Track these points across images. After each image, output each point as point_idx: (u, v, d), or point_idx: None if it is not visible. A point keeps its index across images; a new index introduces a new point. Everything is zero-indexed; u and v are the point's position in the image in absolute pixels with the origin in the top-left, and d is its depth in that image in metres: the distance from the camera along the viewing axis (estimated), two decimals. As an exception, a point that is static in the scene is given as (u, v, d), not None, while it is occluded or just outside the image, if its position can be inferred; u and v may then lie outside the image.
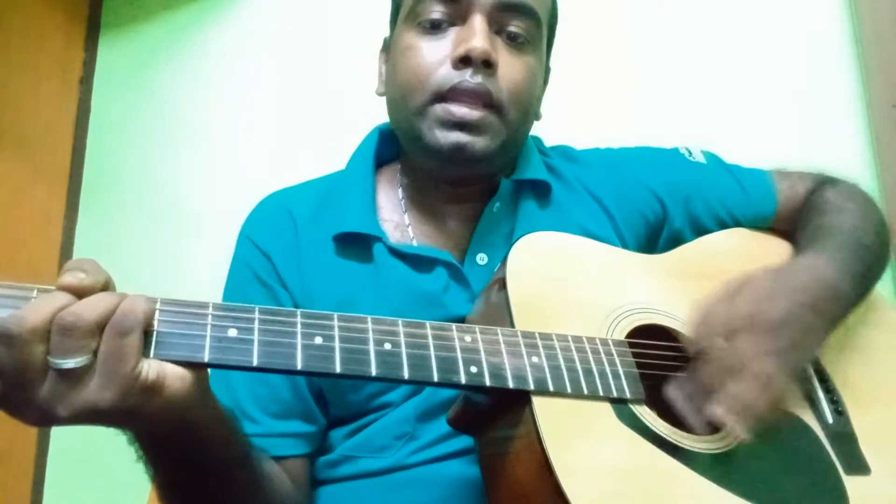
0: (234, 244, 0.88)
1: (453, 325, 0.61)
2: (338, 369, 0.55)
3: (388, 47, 0.89)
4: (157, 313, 0.53)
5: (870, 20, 1.22)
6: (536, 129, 0.90)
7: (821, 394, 0.73)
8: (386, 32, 0.90)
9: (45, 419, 0.50)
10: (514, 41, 0.81)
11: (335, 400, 0.80)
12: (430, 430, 0.75)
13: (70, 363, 0.48)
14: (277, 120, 1.60)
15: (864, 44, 1.22)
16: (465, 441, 0.72)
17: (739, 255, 0.87)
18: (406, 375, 0.57)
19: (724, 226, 0.91)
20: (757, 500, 0.61)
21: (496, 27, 0.80)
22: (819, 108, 1.25)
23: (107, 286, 0.53)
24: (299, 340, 0.55)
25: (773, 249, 0.88)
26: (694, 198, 0.91)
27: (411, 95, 0.79)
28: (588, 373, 0.63)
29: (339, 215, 0.84)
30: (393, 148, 0.91)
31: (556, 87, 0.95)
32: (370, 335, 0.58)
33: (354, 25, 1.55)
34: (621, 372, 0.64)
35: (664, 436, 0.62)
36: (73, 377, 0.49)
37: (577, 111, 1.26)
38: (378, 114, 0.90)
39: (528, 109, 0.84)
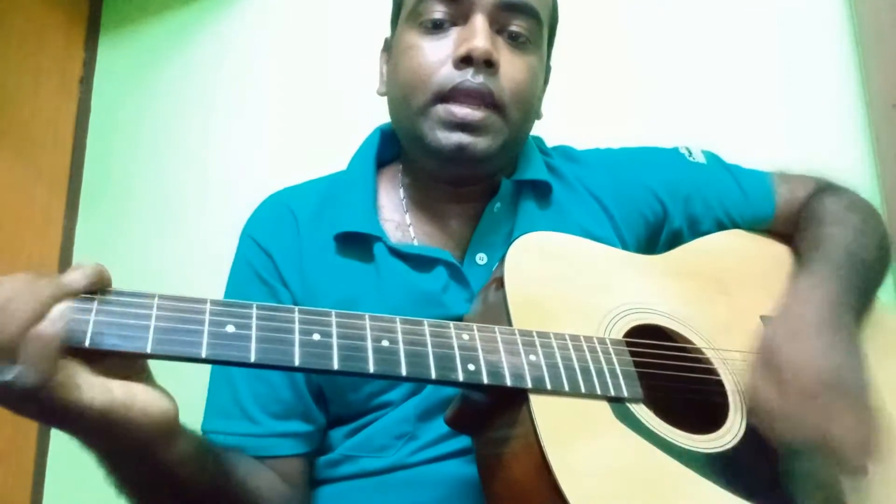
0: (235, 244, 0.88)
1: (451, 323, 0.61)
2: (335, 366, 0.55)
3: (389, 47, 0.89)
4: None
5: (870, 20, 1.21)
6: (537, 129, 0.91)
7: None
8: (387, 32, 0.90)
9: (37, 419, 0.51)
10: (515, 41, 0.81)
11: (335, 399, 0.80)
12: (431, 429, 0.75)
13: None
14: (278, 120, 1.60)
15: (864, 44, 1.22)
16: (465, 441, 0.71)
17: (737, 256, 0.87)
18: (404, 372, 0.57)
19: (722, 227, 0.91)
20: (756, 499, 0.60)
21: (497, 27, 0.80)
22: (819, 108, 1.24)
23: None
24: (297, 337, 0.55)
25: (771, 251, 0.88)
26: (693, 198, 0.91)
27: (413, 95, 0.80)
28: (586, 371, 0.63)
29: (340, 215, 0.84)
30: (394, 148, 0.91)
31: (556, 86, 0.95)
32: (368, 332, 0.57)
33: (355, 25, 1.55)
34: (619, 371, 0.64)
35: (662, 435, 0.62)
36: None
37: (577, 111, 1.26)
38: (379, 114, 0.90)
39: (530, 109, 0.84)
